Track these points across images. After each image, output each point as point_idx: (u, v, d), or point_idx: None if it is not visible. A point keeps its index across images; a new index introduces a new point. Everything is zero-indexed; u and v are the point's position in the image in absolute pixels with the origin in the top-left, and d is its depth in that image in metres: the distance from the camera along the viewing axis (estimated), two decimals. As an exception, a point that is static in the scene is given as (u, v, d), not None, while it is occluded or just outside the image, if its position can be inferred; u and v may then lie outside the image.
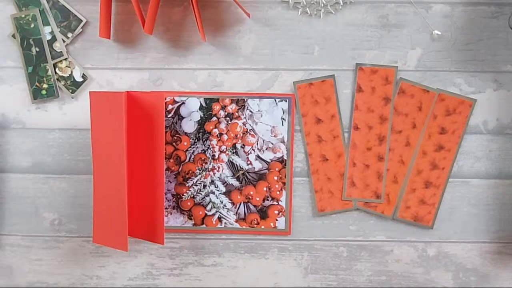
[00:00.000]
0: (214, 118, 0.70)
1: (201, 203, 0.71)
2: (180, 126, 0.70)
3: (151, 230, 0.65)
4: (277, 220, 0.71)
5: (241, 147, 0.70)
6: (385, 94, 0.69)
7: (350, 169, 0.70)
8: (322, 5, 0.69)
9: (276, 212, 0.71)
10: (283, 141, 0.70)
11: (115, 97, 0.60)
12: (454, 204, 0.71)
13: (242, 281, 0.73)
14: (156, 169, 0.63)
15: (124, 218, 0.61)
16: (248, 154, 0.70)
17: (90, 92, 0.63)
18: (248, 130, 0.70)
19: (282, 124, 0.70)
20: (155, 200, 0.64)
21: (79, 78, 0.70)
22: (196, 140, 0.70)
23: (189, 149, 0.70)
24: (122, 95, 0.60)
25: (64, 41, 0.70)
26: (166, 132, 0.70)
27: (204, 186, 0.71)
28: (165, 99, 0.69)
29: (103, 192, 0.62)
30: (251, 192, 0.70)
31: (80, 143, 0.71)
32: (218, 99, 0.70)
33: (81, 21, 0.69)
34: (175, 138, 0.70)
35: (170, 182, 0.71)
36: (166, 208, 0.71)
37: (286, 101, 0.70)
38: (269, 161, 0.70)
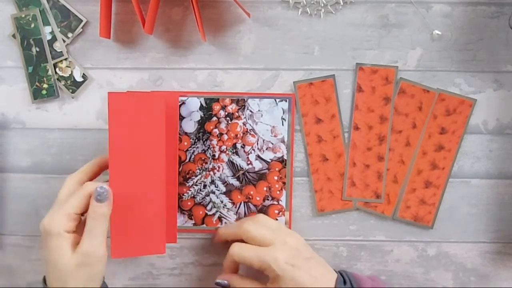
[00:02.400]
0: (214, 118, 0.70)
1: (202, 203, 0.71)
2: (180, 126, 0.70)
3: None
4: (277, 219, 0.71)
5: (241, 147, 0.70)
6: (385, 94, 0.69)
7: (350, 169, 0.70)
8: (322, 5, 0.69)
9: (276, 211, 0.71)
10: (283, 141, 0.70)
11: (152, 99, 0.58)
12: (454, 204, 0.71)
13: (242, 281, 0.73)
14: (169, 170, 0.62)
15: (163, 220, 0.61)
16: (248, 154, 0.70)
17: (109, 93, 0.57)
18: (248, 130, 0.70)
19: (282, 124, 0.70)
20: (168, 200, 0.63)
21: (79, 78, 0.70)
22: (196, 140, 0.70)
23: (189, 149, 0.70)
24: (161, 95, 0.58)
25: (64, 41, 0.70)
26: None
27: (205, 186, 0.71)
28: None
29: (124, 201, 0.59)
30: (251, 192, 0.70)
31: (80, 143, 0.71)
32: (218, 99, 0.70)
33: (81, 21, 0.69)
34: (175, 138, 0.70)
35: (170, 182, 0.71)
36: (166, 208, 0.71)
37: (286, 101, 0.70)
38: (269, 161, 0.70)
